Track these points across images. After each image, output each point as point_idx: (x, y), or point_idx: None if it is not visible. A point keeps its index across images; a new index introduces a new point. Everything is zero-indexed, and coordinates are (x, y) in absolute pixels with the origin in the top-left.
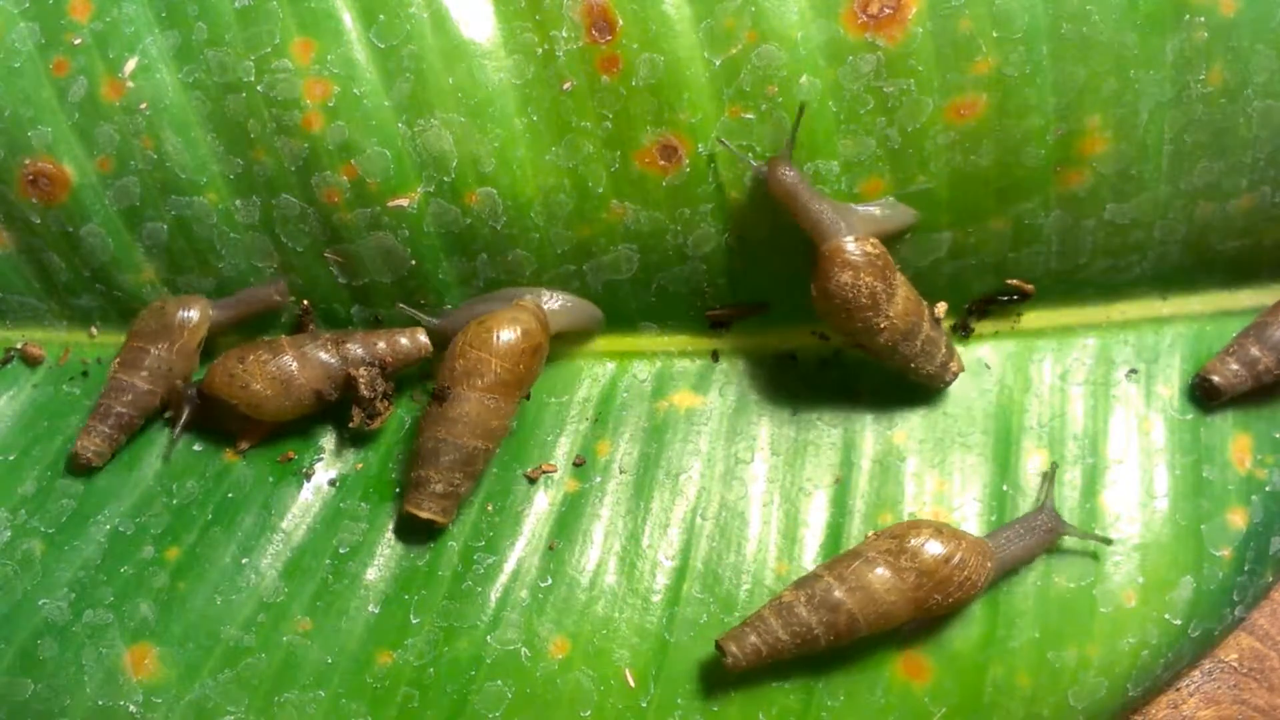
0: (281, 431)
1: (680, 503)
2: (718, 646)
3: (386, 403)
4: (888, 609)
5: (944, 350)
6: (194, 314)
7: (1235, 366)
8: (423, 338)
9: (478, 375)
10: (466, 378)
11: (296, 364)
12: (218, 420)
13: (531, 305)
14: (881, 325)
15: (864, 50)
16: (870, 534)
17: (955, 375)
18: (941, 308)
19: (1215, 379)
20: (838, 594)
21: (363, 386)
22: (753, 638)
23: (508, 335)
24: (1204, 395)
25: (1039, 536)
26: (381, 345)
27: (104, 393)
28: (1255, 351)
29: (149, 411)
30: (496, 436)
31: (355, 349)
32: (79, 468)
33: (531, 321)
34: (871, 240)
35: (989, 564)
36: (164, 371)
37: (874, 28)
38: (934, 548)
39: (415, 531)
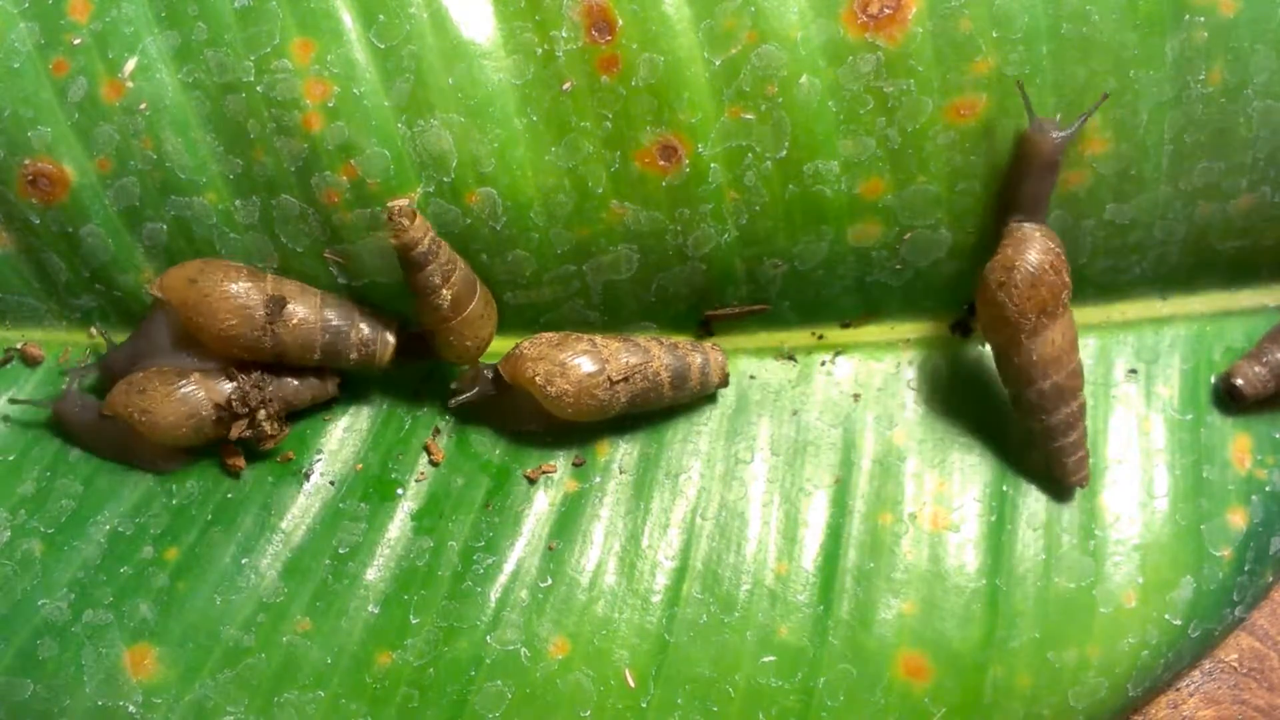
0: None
1: (680, 503)
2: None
3: (276, 424)
4: None
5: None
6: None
7: (1261, 371)
8: (332, 383)
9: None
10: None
11: (198, 380)
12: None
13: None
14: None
15: (864, 50)
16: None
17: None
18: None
19: (1239, 382)
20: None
21: (235, 404)
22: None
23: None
24: (1230, 398)
25: None
26: (290, 379)
27: None
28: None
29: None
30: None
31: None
32: None
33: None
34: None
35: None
36: None
37: (874, 28)
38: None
39: (417, 531)
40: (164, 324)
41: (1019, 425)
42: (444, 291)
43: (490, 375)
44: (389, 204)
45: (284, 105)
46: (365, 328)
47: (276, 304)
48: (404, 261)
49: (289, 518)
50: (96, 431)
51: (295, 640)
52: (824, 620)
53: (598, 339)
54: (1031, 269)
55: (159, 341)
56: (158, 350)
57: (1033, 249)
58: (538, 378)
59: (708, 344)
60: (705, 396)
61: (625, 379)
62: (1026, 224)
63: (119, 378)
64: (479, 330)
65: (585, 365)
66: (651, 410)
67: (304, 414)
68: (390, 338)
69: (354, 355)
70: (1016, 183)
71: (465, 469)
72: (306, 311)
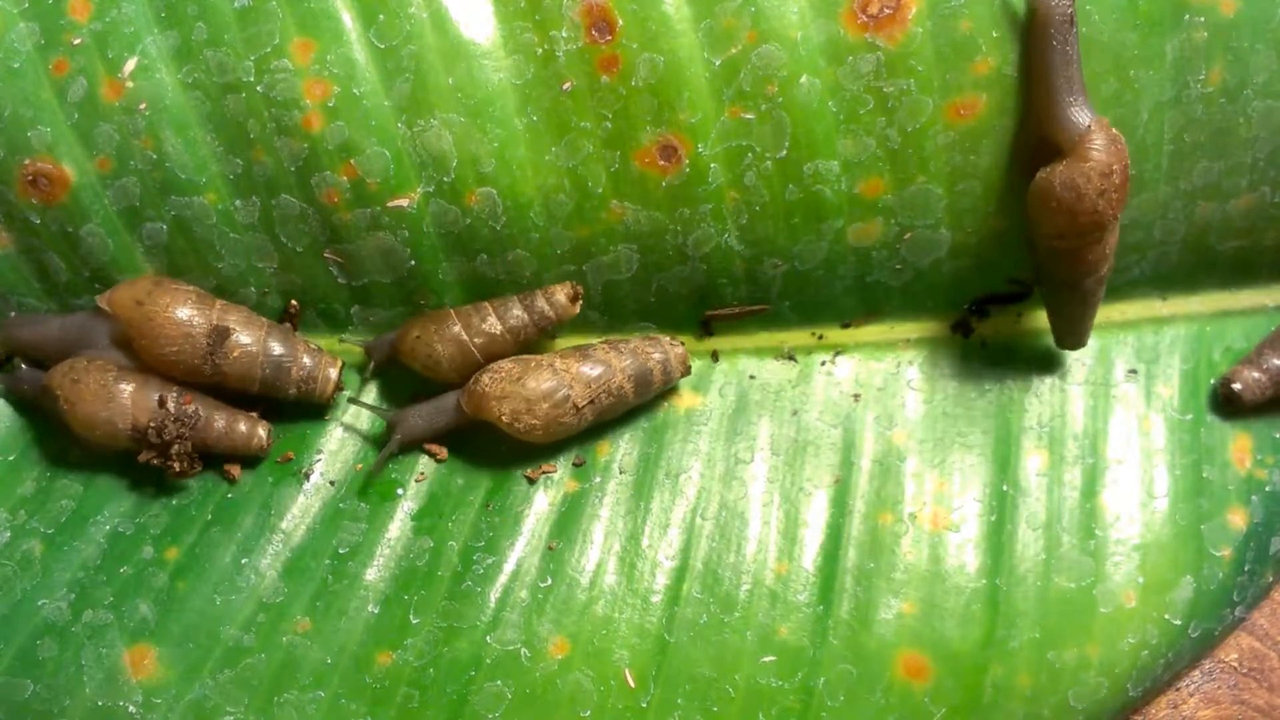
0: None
1: (680, 503)
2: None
3: (185, 462)
4: None
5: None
6: None
7: (1260, 377)
8: (262, 431)
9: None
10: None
11: (131, 394)
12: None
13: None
14: None
15: (864, 50)
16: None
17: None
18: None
19: (1238, 387)
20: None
21: (151, 431)
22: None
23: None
24: (1228, 403)
25: None
26: (220, 422)
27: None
28: (1278, 361)
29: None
30: None
31: (188, 407)
32: None
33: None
34: None
35: None
36: None
37: (874, 28)
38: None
39: (417, 531)
40: (105, 328)
41: (1055, 310)
42: (507, 335)
43: (452, 405)
44: (576, 287)
45: (284, 105)
46: (307, 361)
47: (219, 335)
48: (534, 316)
49: (289, 518)
50: (43, 403)
51: (295, 640)
52: (824, 620)
53: (557, 361)
54: (1123, 165)
55: (97, 340)
56: (96, 346)
57: (1114, 143)
58: (504, 417)
59: (665, 338)
60: (670, 389)
61: (591, 401)
62: (1087, 116)
63: (45, 349)
64: (460, 370)
65: (550, 395)
66: (620, 414)
67: (225, 457)
68: (332, 373)
69: (293, 390)
70: (1047, 61)
71: (465, 469)
72: (250, 342)
